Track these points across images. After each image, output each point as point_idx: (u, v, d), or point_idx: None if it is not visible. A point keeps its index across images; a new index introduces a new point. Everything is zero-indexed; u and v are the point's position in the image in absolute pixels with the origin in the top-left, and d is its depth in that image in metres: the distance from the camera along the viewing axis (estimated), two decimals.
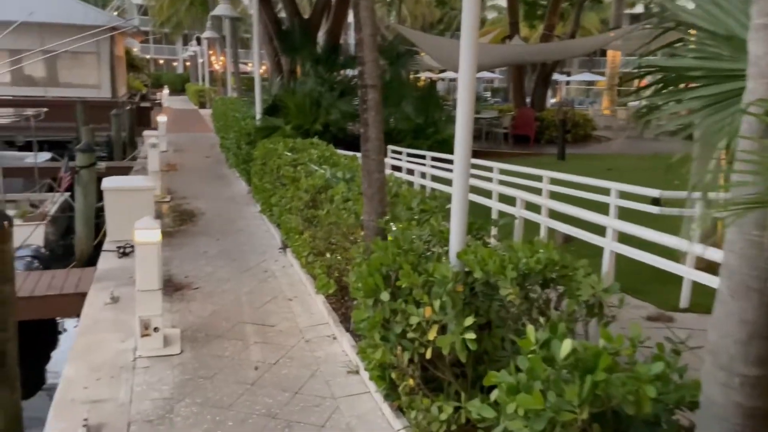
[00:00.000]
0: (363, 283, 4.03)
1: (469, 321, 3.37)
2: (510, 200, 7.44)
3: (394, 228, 4.62)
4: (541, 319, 3.42)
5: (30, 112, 14.21)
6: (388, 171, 8.10)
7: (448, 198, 5.04)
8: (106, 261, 7.72)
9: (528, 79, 27.14)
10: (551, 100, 33.93)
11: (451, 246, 3.99)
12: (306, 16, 15.02)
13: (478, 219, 4.55)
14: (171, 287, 6.88)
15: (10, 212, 12.31)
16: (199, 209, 10.72)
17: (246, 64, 30.73)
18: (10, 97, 22.81)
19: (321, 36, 15.10)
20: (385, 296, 3.85)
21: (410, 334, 3.64)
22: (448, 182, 8.73)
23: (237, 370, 4.91)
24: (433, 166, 9.72)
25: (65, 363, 5.10)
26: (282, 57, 14.36)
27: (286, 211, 7.32)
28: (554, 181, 7.47)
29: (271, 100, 12.90)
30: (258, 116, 12.23)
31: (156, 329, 5.23)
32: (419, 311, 3.59)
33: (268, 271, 7.42)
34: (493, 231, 5.11)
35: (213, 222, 9.89)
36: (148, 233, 5.17)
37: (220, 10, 13.20)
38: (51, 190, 14.42)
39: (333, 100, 12.16)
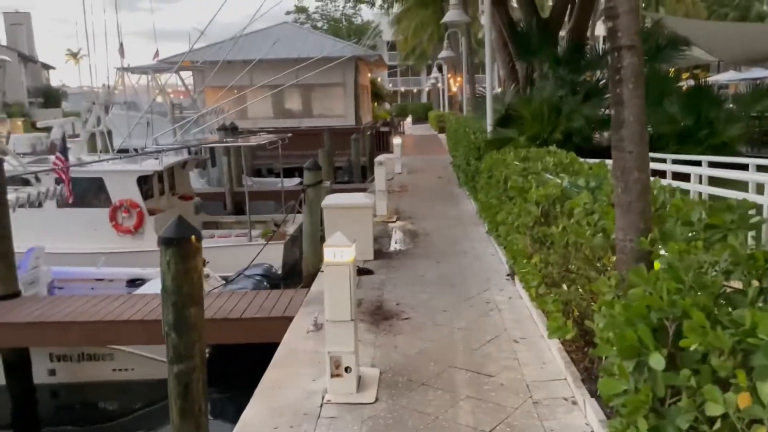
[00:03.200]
0: (616, 334, 2.55)
1: None
2: None
3: (664, 252, 3.06)
4: None
5: (263, 137, 15.23)
6: None
7: (750, 208, 3.31)
8: (320, 282, 7.18)
9: None
10: None
11: None
12: (545, 15, 13.57)
13: None
14: (379, 316, 6.02)
15: (255, 232, 13.06)
16: (424, 229, 9.90)
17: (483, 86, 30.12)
18: (272, 129, 25.30)
19: (563, 36, 13.47)
20: (656, 361, 2.32)
21: None
22: (739, 186, 6.58)
23: None
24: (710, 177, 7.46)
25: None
26: (517, 62, 13.08)
27: (513, 230, 5.99)
28: None
29: (504, 110, 11.65)
30: (489, 128, 11.09)
31: (348, 369, 4.31)
32: (727, 397, 2.01)
33: (491, 303, 6.15)
34: None
35: (435, 243, 8.96)
36: (338, 251, 4.29)
37: (451, 15, 12.41)
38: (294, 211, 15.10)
39: (576, 105, 10.43)
